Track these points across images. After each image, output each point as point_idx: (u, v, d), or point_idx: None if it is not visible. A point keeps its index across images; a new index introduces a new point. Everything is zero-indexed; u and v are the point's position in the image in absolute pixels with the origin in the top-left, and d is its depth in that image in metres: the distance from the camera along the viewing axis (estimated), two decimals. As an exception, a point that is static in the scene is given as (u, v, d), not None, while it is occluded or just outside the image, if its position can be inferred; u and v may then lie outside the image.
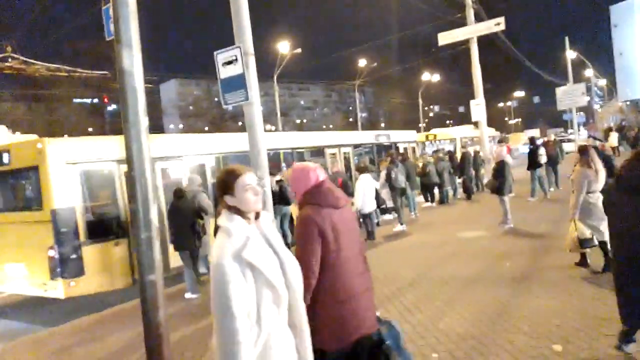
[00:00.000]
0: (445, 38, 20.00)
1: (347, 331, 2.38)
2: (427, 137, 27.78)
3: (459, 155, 18.36)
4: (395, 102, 68.34)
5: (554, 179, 14.94)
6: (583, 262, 6.46)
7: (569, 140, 31.91)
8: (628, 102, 63.24)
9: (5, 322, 7.99)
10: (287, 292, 2.06)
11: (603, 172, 6.34)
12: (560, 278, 6.17)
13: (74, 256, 7.33)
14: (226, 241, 2.01)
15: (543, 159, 13.72)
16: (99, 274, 7.61)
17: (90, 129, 38.71)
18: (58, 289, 7.25)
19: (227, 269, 1.92)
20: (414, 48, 61.63)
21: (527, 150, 15.10)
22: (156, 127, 51.76)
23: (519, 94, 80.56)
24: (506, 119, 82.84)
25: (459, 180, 17.20)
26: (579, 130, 35.12)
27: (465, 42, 19.93)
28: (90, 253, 7.54)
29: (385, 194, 11.77)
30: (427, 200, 15.69)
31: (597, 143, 9.22)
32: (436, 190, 15.82)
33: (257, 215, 2.17)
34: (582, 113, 44.69)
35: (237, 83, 6.23)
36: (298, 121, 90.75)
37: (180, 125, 65.12)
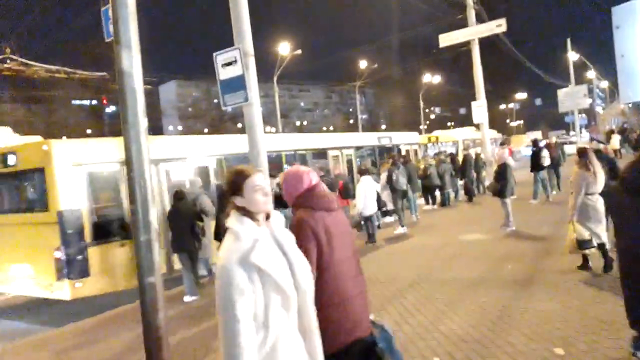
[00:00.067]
0: (446, 40, 19.97)
1: (340, 334, 2.37)
2: (429, 139, 27.75)
3: (460, 158, 18.33)
4: (396, 104, 68.40)
5: (556, 182, 14.92)
6: (585, 265, 6.44)
7: (571, 143, 31.86)
8: (630, 105, 63.13)
9: (6, 322, 8.00)
10: (296, 295, 2.04)
11: (602, 174, 6.36)
12: (562, 281, 6.15)
13: (79, 257, 7.38)
14: (234, 244, 1.99)
15: (546, 161, 13.67)
16: (105, 275, 7.65)
17: (89, 131, 38.74)
18: (64, 290, 7.30)
19: (233, 272, 1.90)
20: (414, 49, 61.75)
21: (530, 153, 15.07)
22: (155, 128, 51.85)
23: (521, 95, 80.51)
24: (508, 121, 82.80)
25: (460, 183, 17.18)
26: (580, 132, 35.08)
27: (467, 44, 19.91)
28: (96, 254, 7.59)
29: (386, 196, 11.75)
30: (427, 203, 15.67)
31: (601, 146, 9.19)
32: (437, 193, 15.79)
33: (267, 216, 2.15)
34: (584, 115, 44.71)
35: (237, 84, 6.22)
36: (298, 123, 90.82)
37: (179, 127, 65.21)
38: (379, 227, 11.87)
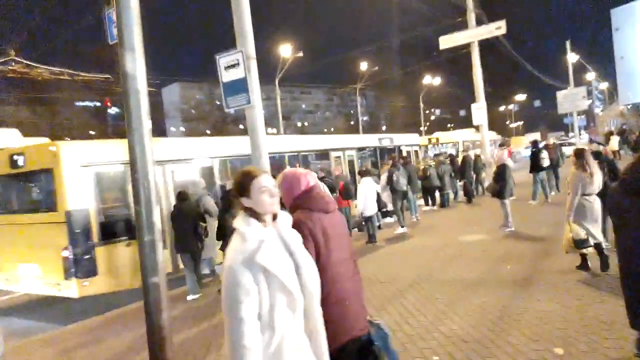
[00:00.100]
0: (446, 42, 20.07)
1: (337, 334, 2.41)
2: (430, 140, 27.84)
3: (460, 159, 18.37)
4: (397, 106, 68.44)
5: (555, 183, 14.97)
6: (584, 266, 6.48)
7: (570, 144, 31.90)
8: (629, 106, 63.22)
9: (10, 321, 8.05)
10: (302, 296, 2.05)
11: (598, 175, 6.44)
12: (561, 281, 6.18)
13: (87, 256, 7.47)
14: (240, 245, 2.02)
15: (545, 162, 13.71)
16: (112, 274, 7.73)
17: (92, 132, 38.78)
18: (72, 289, 7.40)
19: (238, 273, 1.92)
20: (415, 52, 61.78)
21: (529, 154, 15.11)
22: (158, 130, 51.93)
23: (520, 97, 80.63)
24: (507, 122, 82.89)
25: (460, 184, 17.22)
26: (580, 133, 35.13)
27: (467, 46, 19.99)
28: (103, 253, 7.68)
29: (386, 197, 11.79)
30: (427, 204, 15.71)
31: (601, 148, 9.23)
32: (437, 194, 15.84)
33: (275, 217, 2.16)
34: (583, 117, 44.73)
35: (239, 87, 6.28)
36: (300, 124, 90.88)
37: (182, 128, 65.25)
38: (379, 227, 11.92)
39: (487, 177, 16.54)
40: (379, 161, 16.23)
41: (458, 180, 17.22)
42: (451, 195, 16.53)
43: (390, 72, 54.91)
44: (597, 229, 6.33)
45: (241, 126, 44.32)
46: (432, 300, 6.05)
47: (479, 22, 19.80)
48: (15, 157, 7.94)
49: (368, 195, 10.53)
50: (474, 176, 17.32)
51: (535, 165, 13.75)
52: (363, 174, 11.17)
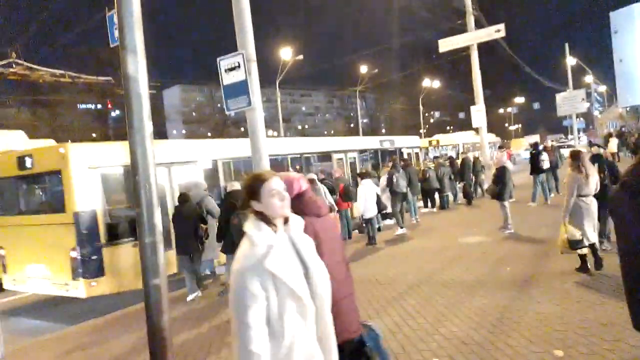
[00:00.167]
0: (445, 45, 20.09)
1: None
2: (430, 142, 27.93)
3: (459, 161, 18.41)
4: (396, 108, 68.51)
5: (555, 185, 15.00)
6: (584, 268, 6.50)
7: (569, 146, 31.97)
8: (628, 108, 63.37)
9: (18, 322, 8.12)
10: (312, 302, 2.03)
11: (595, 176, 6.51)
12: (561, 283, 6.19)
13: (94, 257, 7.55)
14: (249, 249, 2.00)
15: (545, 164, 13.74)
16: (118, 275, 7.78)
17: (94, 135, 38.83)
18: (79, 289, 7.47)
19: (246, 279, 1.91)
20: (414, 54, 61.94)
21: (528, 156, 15.14)
22: (159, 132, 51.90)
23: (519, 100, 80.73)
24: (506, 124, 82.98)
25: (459, 185, 17.25)
26: (579, 136, 35.16)
27: (466, 49, 20.02)
28: (110, 254, 7.76)
29: (386, 198, 11.81)
30: (426, 206, 15.73)
31: (601, 150, 9.24)
32: (436, 196, 15.86)
33: (286, 221, 2.15)
34: (582, 119, 44.79)
35: (240, 89, 6.30)
36: (300, 127, 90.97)
37: (183, 131, 65.34)
38: (379, 229, 11.93)
39: (487, 179, 16.57)
40: (381, 163, 16.29)
41: (458, 182, 17.25)
42: (451, 197, 16.55)
43: (390, 74, 54.93)
44: (593, 230, 6.40)
45: (242, 129, 44.37)
46: (432, 302, 6.06)
47: (479, 25, 19.84)
48: (23, 159, 8.05)
49: (368, 197, 10.55)
50: (473, 178, 17.36)
51: (535, 167, 13.78)
52: (363, 176, 11.19)
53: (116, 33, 5.57)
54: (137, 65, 3.56)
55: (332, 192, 10.86)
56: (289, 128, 75.06)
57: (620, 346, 4.17)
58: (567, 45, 34.27)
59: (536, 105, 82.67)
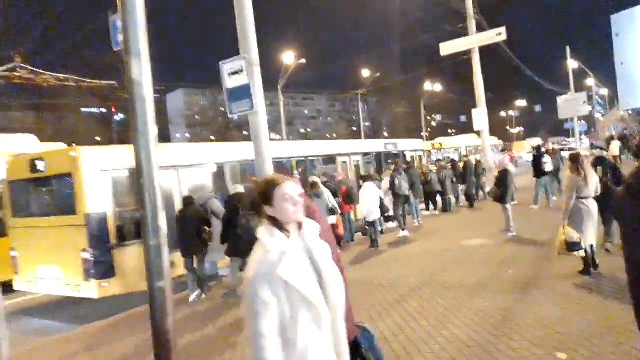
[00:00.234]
0: (447, 48, 20.14)
1: None
2: (433, 145, 28.01)
3: (461, 164, 18.44)
4: (398, 112, 68.57)
5: (557, 188, 14.98)
6: (586, 270, 6.51)
7: (570, 149, 31.97)
8: (630, 111, 63.27)
9: (29, 322, 8.20)
10: (327, 310, 1.99)
11: (594, 178, 6.55)
12: (564, 286, 6.20)
13: (106, 258, 7.65)
14: (262, 256, 1.98)
15: (548, 166, 13.73)
16: (129, 275, 7.84)
17: (97, 138, 38.97)
18: (91, 290, 7.56)
19: (258, 286, 1.90)
20: (416, 58, 62.05)
21: (531, 159, 15.13)
22: (162, 136, 51.61)
23: (521, 103, 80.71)
24: (508, 127, 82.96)
25: (461, 188, 17.26)
26: (580, 139, 35.14)
27: (467, 52, 20.06)
28: (121, 255, 7.84)
29: (388, 201, 11.84)
30: (427, 209, 15.73)
31: (605, 153, 9.22)
32: (438, 198, 15.88)
33: (300, 226, 2.11)
34: (583, 122, 44.72)
35: (243, 93, 6.34)
36: (302, 130, 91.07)
37: (187, 135, 65.48)
38: (382, 232, 11.94)
39: (488, 182, 16.57)
40: (384, 166, 16.33)
41: (460, 185, 17.26)
42: (453, 200, 16.56)
43: (392, 78, 54.98)
44: (592, 233, 6.44)
45: (245, 132, 44.43)
46: (434, 305, 6.07)
47: (480, 29, 19.89)
48: (36, 162, 8.18)
49: (371, 200, 10.57)
50: (475, 181, 17.37)
51: (538, 170, 13.78)
52: (365, 178, 11.21)
53: (119, 37, 5.60)
54: (142, 70, 3.59)
55: (335, 194, 10.88)
56: (291, 131, 75.14)
57: (623, 349, 4.17)
58: (568, 48, 34.33)
59: (538, 108, 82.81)
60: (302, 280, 1.95)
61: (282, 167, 11.49)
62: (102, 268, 7.57)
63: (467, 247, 9.54)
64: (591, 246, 6.48)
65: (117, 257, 7.77)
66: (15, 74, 15.96)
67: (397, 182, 11.58)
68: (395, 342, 4.95)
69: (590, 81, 53.16)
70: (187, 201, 8.12)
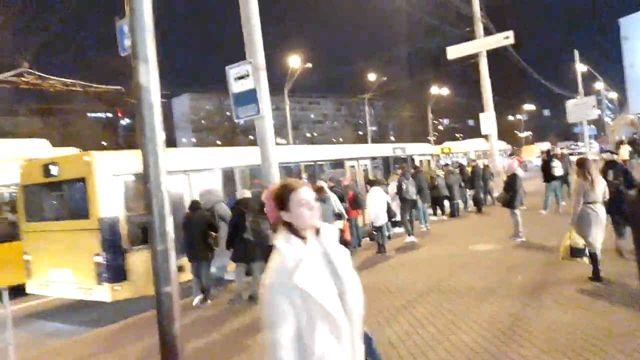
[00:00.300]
0: (454, 52, 20.09)
1: None
2: (442, 150, 27.95)
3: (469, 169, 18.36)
4: (405, 116, 68.49)
5: (567, 192, 14.86)
6: (596, 277, 6.44)
7: (580, 154, 31.74)
8: (639, 115, 62.72)
9: (42, 325, 8.26)
10: (345, 319, 1.94)
11: (602, 183, 6.50)
12: (573, 292, 6.14)
13: (118, 262, 7.70)
14: (278, 264, 1.94)
15: (557, 171, 13.63)
16: (141, 279, 7.86)
17: (104, 143, 39.26)
18: (104, 293, 7.62)
19: (275, 294, 1.87)
20: (423, 62, 62.01)
21: (540, 163, 15.04)
22: (169, 140, 51.95)
23: (529, 107, 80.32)
24: (516, 132, 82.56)
25: (469, 193, 17.17)
26: (590, 142, 34.86)
27: (475, 56, 20.00)
28: (133, 259, 7.88)
29: (396, 206, 11.80)
30: (435, 214, 15.66)
31: (615, 157, 9.15)
32: (446, 203, 15.81)
33: (318, 231, 2.06)
34: (592, 126, 44.45)
35: (249, 97, 6.36)
36: (308, 135, 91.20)
37: (193, 139, 65.80)
38: (389, 237, 11.90)
39: (496, 186, 16.48)
40: (392, 171, 16.30)
41: (468, 190, 17.18)
42: (461, 205, 16.48)
43: (399, 82, 55.00)
44: (599, 238, 6.36)
45: (251, 137, 44.57)
46: (442, 310, 6.04)
47: (487, 32, 19.83)
48: (49, 167, 8.26)
49: (378, 205, 10.54)
50: (483, 185, 17.28)
51: (547, 174, 13.68)
52: (372, 183, 11.19)
53: (126, 42, 5.65)
54: (149, 75, 3.59)
55: (341, 199, 10.86)
56: (298, 136, 75.23)
57: (633, 356, 4.13)
58: (576, 51, 34.13)
59: (546, 112, 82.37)
60: (320, 289, 1.90)
61: (289, 171, 11.48)
62: (115, 272, 7.62)
63: (475, 253, 9.48)
64: (595, 254, 6.36)
65: (129, 261, 7.83)
66: (23, 79, 16.11)
67: (404, 187, 11.54)
68: (402, 348, 4.92)
69: (600, 85, 52.84)
70: (194, 205, 8.14)
